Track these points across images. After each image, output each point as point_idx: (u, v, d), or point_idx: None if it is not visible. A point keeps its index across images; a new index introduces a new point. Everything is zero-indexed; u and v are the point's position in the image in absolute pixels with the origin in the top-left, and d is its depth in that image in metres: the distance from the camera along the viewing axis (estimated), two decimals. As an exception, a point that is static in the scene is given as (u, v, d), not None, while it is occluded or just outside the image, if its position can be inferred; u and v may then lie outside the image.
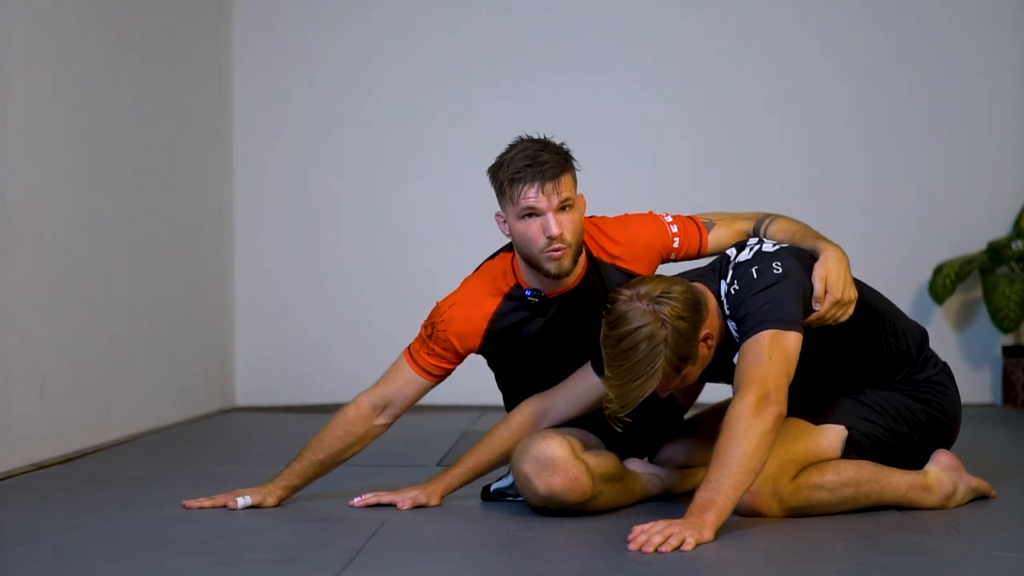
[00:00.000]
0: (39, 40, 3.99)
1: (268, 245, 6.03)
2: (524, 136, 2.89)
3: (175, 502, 3.14)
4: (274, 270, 6.03)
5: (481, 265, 3.06)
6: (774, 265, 2.73)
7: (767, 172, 5.94)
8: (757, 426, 2.56)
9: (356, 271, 6.02)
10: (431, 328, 3.00)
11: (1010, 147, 5.91)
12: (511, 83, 5.97)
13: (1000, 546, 2.56)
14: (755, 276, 2.72)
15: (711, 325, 2.75)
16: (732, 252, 2.82)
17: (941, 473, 2.93)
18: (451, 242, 5.87)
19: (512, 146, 2.88)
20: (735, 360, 2.81)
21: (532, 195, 2.80)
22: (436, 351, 3.00)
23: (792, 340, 2.65)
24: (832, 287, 2.74)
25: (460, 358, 3.03)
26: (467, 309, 2.97)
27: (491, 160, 2.95)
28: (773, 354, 2.63)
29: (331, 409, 5.81)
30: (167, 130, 5.20)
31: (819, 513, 2.82)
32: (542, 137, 2.88)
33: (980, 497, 3.03)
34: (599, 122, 5.91)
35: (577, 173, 2.88)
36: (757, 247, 2.79)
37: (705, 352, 2.74)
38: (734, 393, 2.65)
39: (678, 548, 2.46)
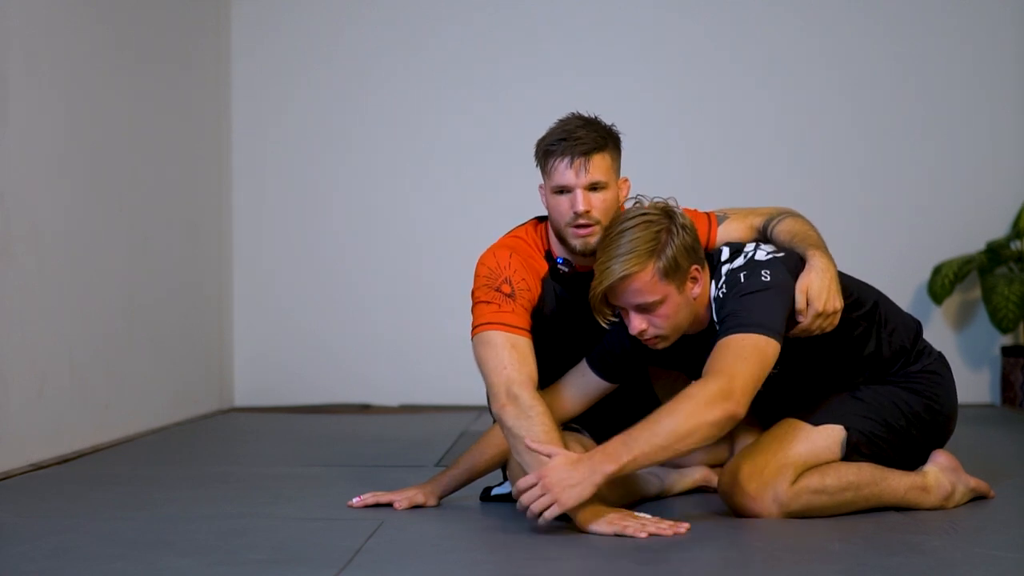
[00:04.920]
0: (39, 40, 3.99)
1: (267, 245, 6.03)
2: (575, 113, 2.89)
3: (174, 503, 3.14)
4: (273, 270, 6.03)
5: (512, 230, 3.01)
6: (763, 273, 2.73)
7: (767, 173, 5.94)
8: (704, 415, 2.54)
9: (355, 271, 6.02)
10: (508, 285, 2.83)
11: (1009, 147, 5.91)
12: (511, 83, 5.97)
13: (999, 546, 2.56)
14: (742, 280, 2.73)
15: (704, 273, 2.77)
16: (725, 253, 2.83)
17: (940, 474, 2.94)
18: (450, 242, 5.87)
19: (557, 122, 2.88)
20: None
21: (562, 170, 2.81)
22: (525, 305, 2.84)
23: (771, 348, 2.64)
24: (814, 299, 2.74)
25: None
26: (526, 261, 2.90)
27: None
28: (750, 355, 2.61)
29: (330, 409, 5.85)
30: (166, 130, 5.20)
31: (818, 516, 2.82)
32: (593, 116, 2.87)
33: (979, 497, 3.04)
34: (598, 122, 5.92)
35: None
36: (751, 254, 2.79)
37: (688, 291, 2.74)
38: (701, 376, 2.64)
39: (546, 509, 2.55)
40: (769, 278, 2.72)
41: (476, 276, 2.89)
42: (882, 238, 5.91)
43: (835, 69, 5.95)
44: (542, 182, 2.90)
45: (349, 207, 6.02)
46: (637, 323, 2.73)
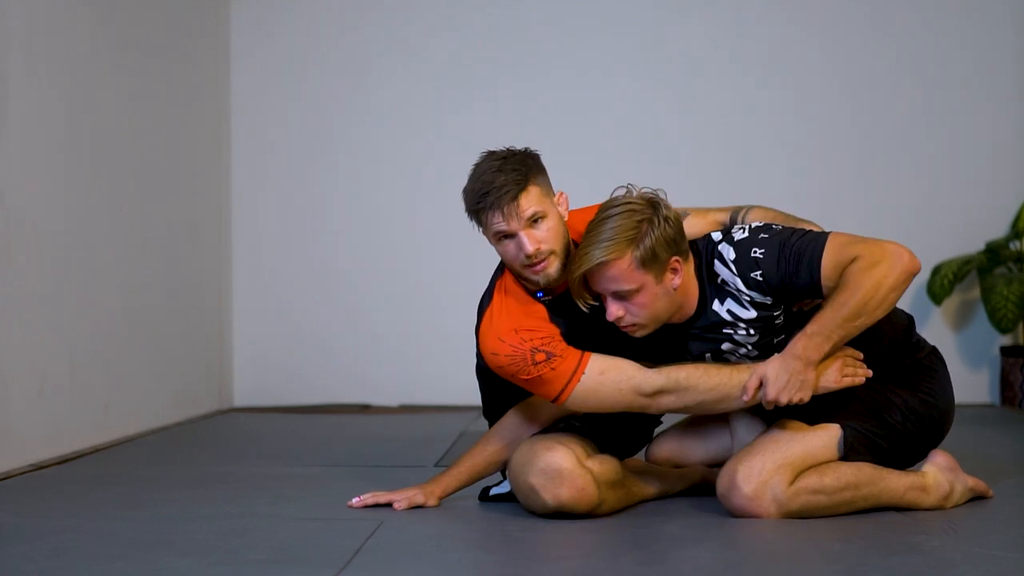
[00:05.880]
0: (39, 40, 3.99)
1: (266, 245, 6.03)
2: (484, 153, 2.85)
3: (174, 503, 3.14)
4: (272, 270, 6.03)
5: (493, 290, 2.95)
6: (773, 226, 2.82)
7: (766, 172, 5.94)
8: (886, 279, 2.70)
9: (354, 271, 6.02)
10: (540, 353, 2.80)
11: (1008, 148, 5.91)
12: (511, 84, 5.97)
13: (999, 546, 2.57)
14: (768, 236, 2.77)
15: (687, 265, 2.80)
16: (717, 236, 2.84)
17: (938, 474, 2.94)
18: (449, 242, 5.87)
19: (473, 169, 2.84)
20: (735, 335, 2.82)
21: (498, 221, 2.78)
22: (561, 344, 2.82)
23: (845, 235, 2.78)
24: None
25: None
26: (527, 320, 2.86)
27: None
28: (857, 239, 2.76)
29: (330, 409, 5.85)
30: (166, 130, 5.20)
31: (817, 516, 2.82)
32: (503, 150, 2.84)
33: (977, 497, 3.04)
34: (599, 122, 5.92)
35: (551, 174, 2.88)
36: (747, 226, 2.83)
37: (667, 281, 2.76)
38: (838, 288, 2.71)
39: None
40: (780, 226, 2.82)
41: (499, 368, 2.84)
42: (881, 238, 5.89)
43: (835, 69, 5.95)
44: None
45: (349, 207, 6.02)
46: (614, 309, 2.77)
